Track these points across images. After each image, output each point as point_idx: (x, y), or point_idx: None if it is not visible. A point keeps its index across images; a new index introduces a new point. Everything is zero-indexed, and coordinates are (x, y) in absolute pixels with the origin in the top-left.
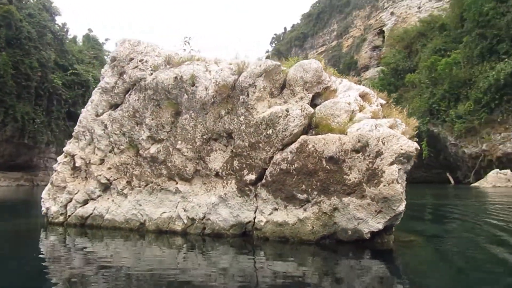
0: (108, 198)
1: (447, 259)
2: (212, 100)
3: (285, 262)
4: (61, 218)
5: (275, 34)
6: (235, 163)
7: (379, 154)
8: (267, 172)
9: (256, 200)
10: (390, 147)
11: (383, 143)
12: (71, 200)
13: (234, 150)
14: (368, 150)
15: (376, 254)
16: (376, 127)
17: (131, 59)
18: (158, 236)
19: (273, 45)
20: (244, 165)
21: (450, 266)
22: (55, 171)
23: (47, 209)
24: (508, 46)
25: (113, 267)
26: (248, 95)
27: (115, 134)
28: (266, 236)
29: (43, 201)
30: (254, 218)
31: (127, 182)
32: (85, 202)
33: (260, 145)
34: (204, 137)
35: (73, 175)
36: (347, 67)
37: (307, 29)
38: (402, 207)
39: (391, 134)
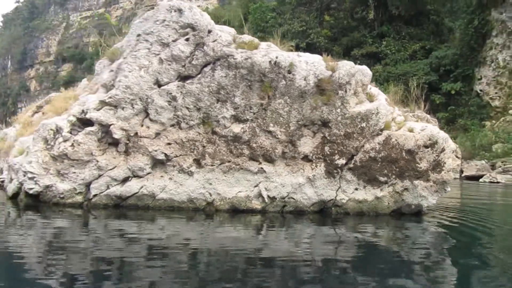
0: (162, 176)
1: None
2: (311, 90)
3: (365, 230)
4: (78, 198)
5: None
6: (326, 148)
7: (443, 150)
8: (356, 158)
9: (340, 181)
10: (449, 145)
11: (445, 142)
12: (99, 176)
13: (328, 137)
14: (437, 146)
15: (429, 220)
16: (439, 131)
17: (210, 31)
18: (233, 215)
19: None
20: (335, 151)
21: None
22: (65, 141)
23: (47, 187)
24: None
25: (178, 248)
26: (346, 91)
27: (187, 108)
28: (347, 211)
29: (33, 177)
30: (335, 196)
31: (194, 159)
32: (125, 179)
33: (354, 135)
34: (300, 123)
35: (99, 148)
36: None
37: None
38: (449, 188)
39: (447, 136)
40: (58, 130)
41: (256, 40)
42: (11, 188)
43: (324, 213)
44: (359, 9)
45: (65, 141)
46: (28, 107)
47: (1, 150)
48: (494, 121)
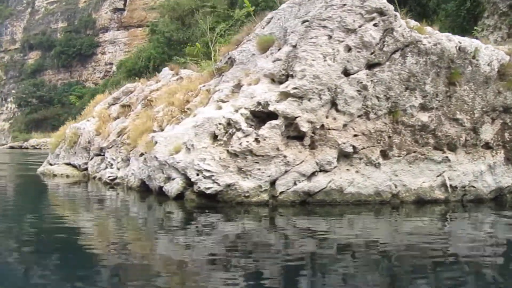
0: (348, 169)
1: None
2: (495, 76)
3: None
4: (263, 196)
5: None
6: (506, 135)
7: None
8: None
9: None
10: None
11: None
12: (285, 172)
13: (509, 124)
14: None
15: None
16: None
17: (395, 16)
18: (419, 206)
19: None
20: None
21: None
22: (246, 135)
23: (228, 186)
24: None
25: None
26: None
27: (377, 97)
28: None
29: (210, 176)
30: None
31: (381, 151)
32: (312, 174)
33: None
34: (483, 109)
35: (283, 142)
36: (84, 25)
37: None
38: None
39: None
40: (230, 124)
41: (418, 25)
42: (174, 188)
43: (499, 200)
44: None
45: (246, 136)
46: (96, 99)
47: (77, 144)
48: None
